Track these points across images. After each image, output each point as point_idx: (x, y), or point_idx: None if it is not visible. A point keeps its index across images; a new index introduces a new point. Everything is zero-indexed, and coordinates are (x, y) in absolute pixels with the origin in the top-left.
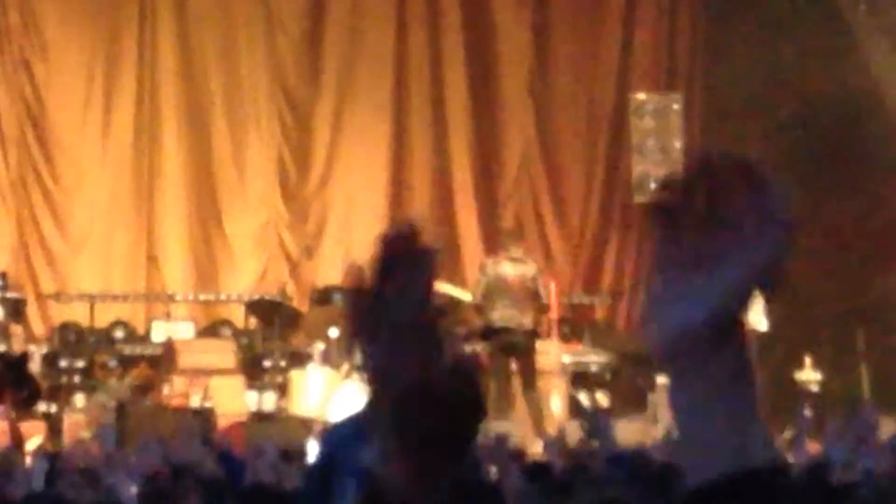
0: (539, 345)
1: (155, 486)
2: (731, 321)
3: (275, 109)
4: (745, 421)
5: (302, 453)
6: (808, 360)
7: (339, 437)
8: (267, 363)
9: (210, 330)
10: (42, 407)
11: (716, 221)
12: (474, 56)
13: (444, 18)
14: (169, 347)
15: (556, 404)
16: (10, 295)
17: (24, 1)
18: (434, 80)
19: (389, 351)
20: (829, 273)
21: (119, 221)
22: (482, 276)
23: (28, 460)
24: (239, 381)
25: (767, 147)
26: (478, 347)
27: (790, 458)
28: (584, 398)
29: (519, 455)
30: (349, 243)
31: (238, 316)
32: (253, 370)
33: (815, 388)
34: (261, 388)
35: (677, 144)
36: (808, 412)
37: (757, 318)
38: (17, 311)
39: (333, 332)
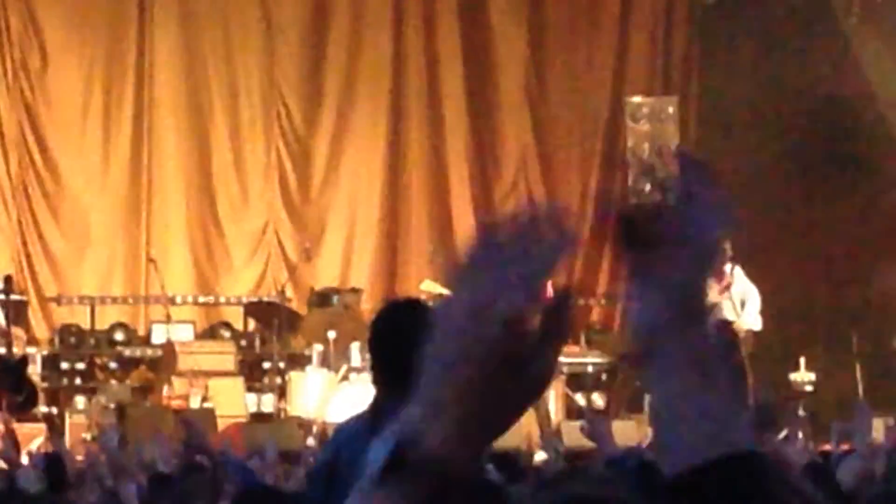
0: None
1: (156, 488)
2: (691, 307)
3: (274, 113)
4: (720, 406)
5: (301, 454)
6: (802, 361)
7: (347, 435)
8: (266, 365)
9: (209, 332)
10: (42, 409)
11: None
12: (471, 61)
13: (441, 23)
14: (169, 349)
15: (553, 406)
16: (13, 297)
17: (24, 5)
18: (431, 84)
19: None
20: (823, 274)
21: (119, 224)
22: None
23: (27, 461)
24: (238, 382)
25: (763, 150)
26: None
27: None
28: (580, 399)
29: (517, 457)
30: (348, 246)
31: (237, 318)
32: (252, 372)
33: (809, 389)
34: (260, 390)
35: (673, 148)
36: (802, 412)
37: (751, 318)
38: (18, 313)
39: (332, 334)
